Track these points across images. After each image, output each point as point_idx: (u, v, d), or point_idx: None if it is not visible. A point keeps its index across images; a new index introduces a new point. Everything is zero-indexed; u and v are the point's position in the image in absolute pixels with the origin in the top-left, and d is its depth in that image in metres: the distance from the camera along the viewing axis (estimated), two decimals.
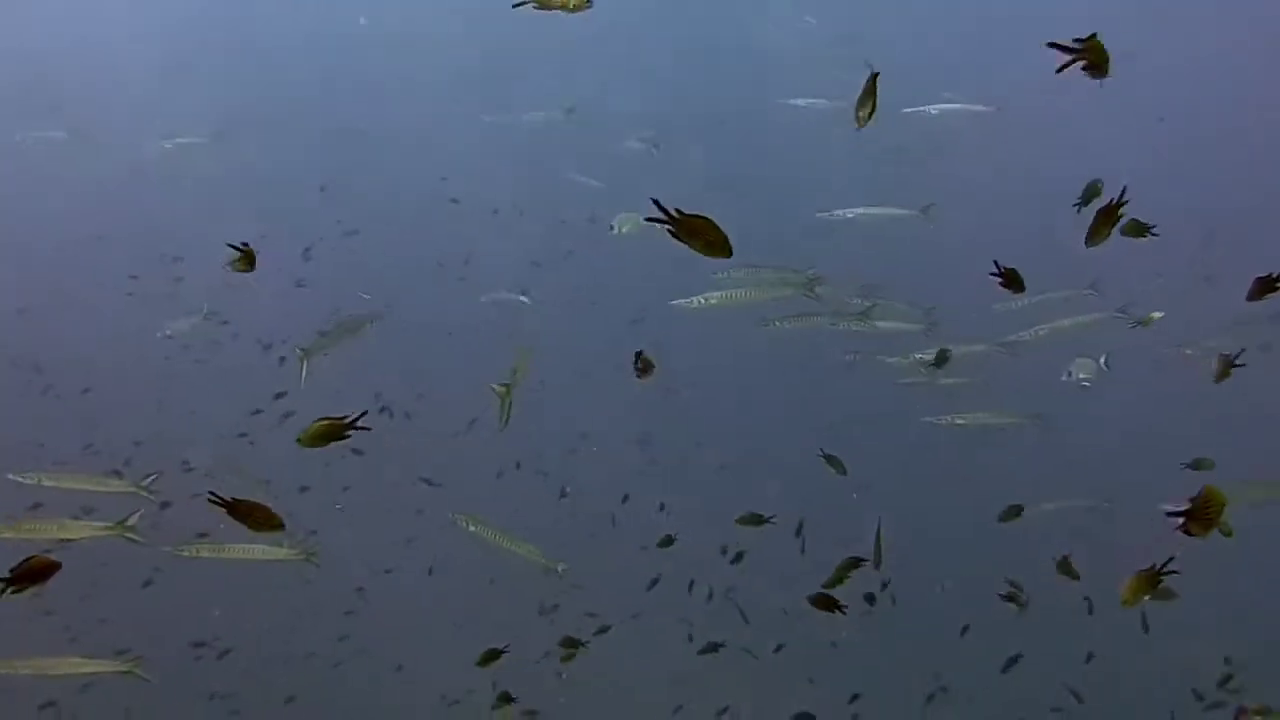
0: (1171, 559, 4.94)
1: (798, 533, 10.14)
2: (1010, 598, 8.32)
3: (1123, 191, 4.99)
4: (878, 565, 7.17)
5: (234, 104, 14.84)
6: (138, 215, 12.89)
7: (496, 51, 16.43)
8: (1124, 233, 5.79)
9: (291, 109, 15.71)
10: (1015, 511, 7.48)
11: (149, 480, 6.94)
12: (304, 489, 9.92)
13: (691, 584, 10.72)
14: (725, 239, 3.55)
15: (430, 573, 11.66)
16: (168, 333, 11.52)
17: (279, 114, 15.52)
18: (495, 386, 6.00)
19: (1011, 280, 5.07)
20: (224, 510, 4.25)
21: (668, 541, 8.60)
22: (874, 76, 4.39)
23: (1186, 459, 7.51)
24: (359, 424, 4.14)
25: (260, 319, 12.30)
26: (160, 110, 14.59)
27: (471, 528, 6.91)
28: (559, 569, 7.23)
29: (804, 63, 14.84)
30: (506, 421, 6.01)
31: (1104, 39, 3.95)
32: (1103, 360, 8.40)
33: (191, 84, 15.17)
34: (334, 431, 4.17)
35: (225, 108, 14.57)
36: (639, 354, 5.69)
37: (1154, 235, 5.68)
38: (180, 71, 15.44)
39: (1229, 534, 6.20)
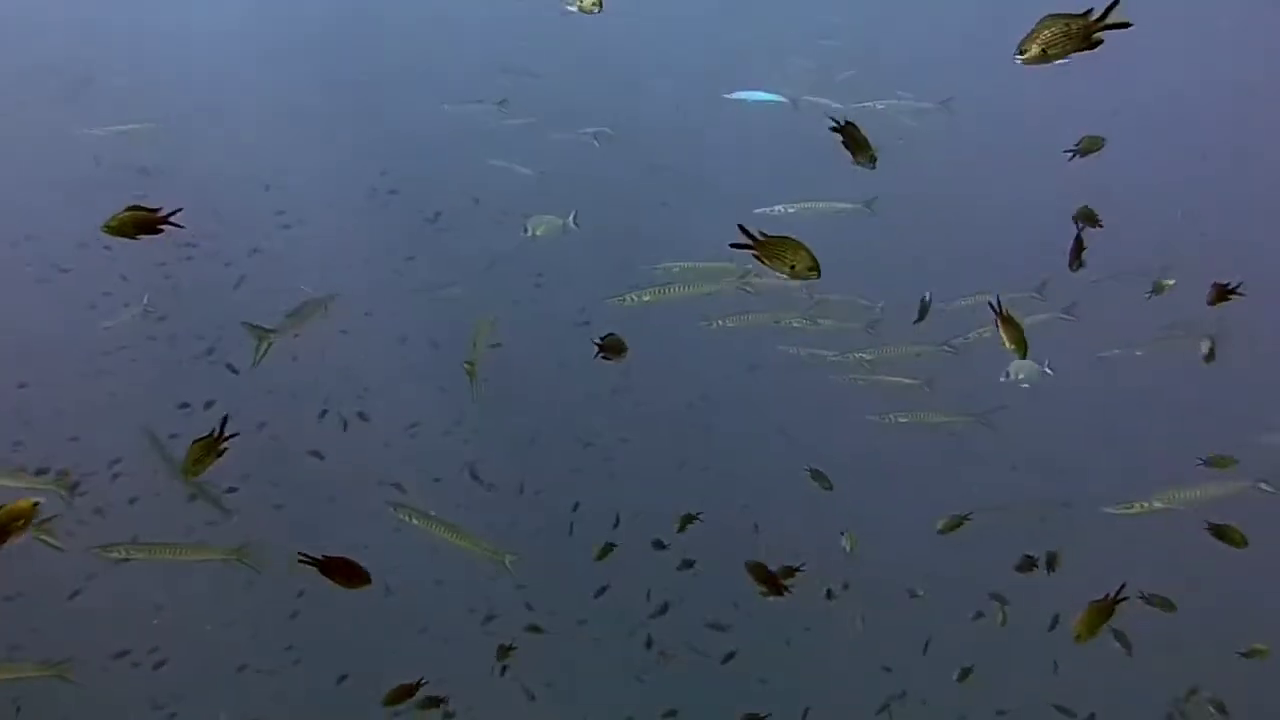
0: (1124, 586, 4.88)
1: (756, 530, 10.07)
2: (996, 597, 8.28)
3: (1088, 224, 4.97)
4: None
5: (177, 90, 14.49)
6: (73, 204, 12.49)
7: (448, 41, 16.28)
8: (1076, 218, 5.85)
9: (239, 96, 15.40)
10: (957, 522, 7.38)
11: (56, 475, 6.70)
12: (231, 489, 9.66)
13: (649, 594, 10.58)
14: (814, 260, 3.49)
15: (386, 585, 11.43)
16: (106, 325, 11.22)
17: (222, 101, 15.20)
18: (465, 365, 6.22)
19: (1008, 323, 4.84)
20: (317, 570, 4.17)
21: (607, 550, 8.43)
22: (848, 128, 4.21)
23: (1134, 460, 7.51)
24: (227, 434, 4.09)
25: (199, 315, 12.03)
26: (98, 96, 14.19)
27: (414, 520, 6.76)
28: (506, 560, 7.05)
29: (768, 56, 14.83)
30: (477, 395, 6.24)
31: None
32: (1045, 365, 8.38)
33: (131, 68, 14.81)
34: (211, 448, 4.10)
35: (168, 94, 14.21)
36: (607, 335, 5.49)
37: (1100, 226, 5.73)
38: (120, 55, 15.07)
39: (1242, 544, 6.21)
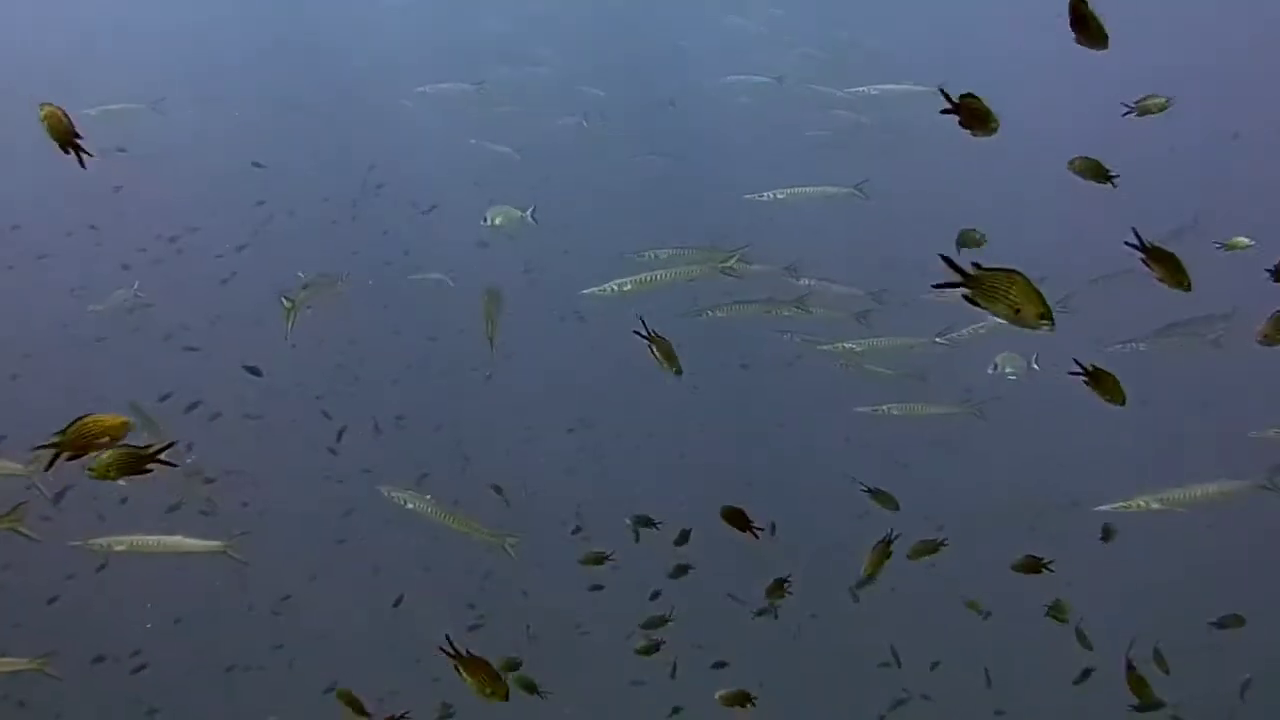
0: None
1: (772, 531, 9.86)
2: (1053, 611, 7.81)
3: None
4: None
5: (168, 82, 14.41)
6: (61, 194, 12.41)
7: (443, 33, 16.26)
8: (1084, 172, 5.37)
9: (229, 80, 15.36)
10: (931, 547, 7.10)
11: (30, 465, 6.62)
12: (209, 480, 9.55)
13: (655, 594, 10.44)
14: (1044, 305, 2.77)
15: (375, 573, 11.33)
16: (96, 308, 11.07)
17: (215, 86, 15.14)
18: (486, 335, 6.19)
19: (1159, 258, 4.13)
20: (454, 663, 3.99)
21: (600, 559, 8.25)
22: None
23: (1134, 458, 7.39)
24: (161, 457, 3.52)
25: (188, 306, 11.96)
26: (85, 77, 14.11)
27: (410, 505, 6.66)
28: (506, 544, 6.90)
29: (766, 45, 14.76)
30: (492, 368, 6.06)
31: None
32: (1034, 359, 8.21)
33: (120, 50, 14.76)
34: (133, 463, 3.52)
35: (157, 86, 14.14)
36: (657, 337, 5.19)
37: (1114, 182, 5.28)
38: (109, 48, 15.04)
39: None
